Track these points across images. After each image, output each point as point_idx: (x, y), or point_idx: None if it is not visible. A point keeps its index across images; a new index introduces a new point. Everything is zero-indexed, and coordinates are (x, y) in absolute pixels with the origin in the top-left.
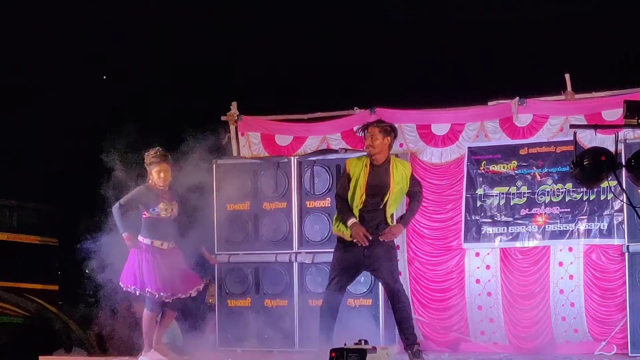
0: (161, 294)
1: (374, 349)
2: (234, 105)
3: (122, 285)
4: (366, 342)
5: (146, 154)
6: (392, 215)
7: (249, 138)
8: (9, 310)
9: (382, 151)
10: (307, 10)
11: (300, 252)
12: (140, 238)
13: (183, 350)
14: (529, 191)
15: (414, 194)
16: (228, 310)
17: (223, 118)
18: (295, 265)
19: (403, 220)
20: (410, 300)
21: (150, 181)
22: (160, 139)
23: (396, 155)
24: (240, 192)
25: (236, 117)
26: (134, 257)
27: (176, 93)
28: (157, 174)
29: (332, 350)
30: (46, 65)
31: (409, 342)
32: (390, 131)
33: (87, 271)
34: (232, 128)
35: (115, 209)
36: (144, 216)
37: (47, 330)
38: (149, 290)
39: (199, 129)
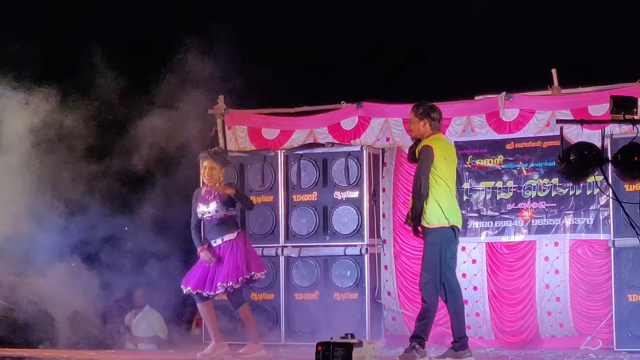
0: (191, 290)
1: (360, 342)
2: (220, 98)
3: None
4: (352, 335)
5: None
6: (432, 201)
7: (236, 132)
8: None
9: (421, 134)
10: (293, 4)
11: (286, 246)
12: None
13: (167, 344)
14: (515, 186)
15: None
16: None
17: (210, 111)
18: (282, 259)
19: None
20: (429, 298)
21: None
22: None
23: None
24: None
25: (223, 111)
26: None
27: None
28: (204, 169)
29: (318, 344)
30: None
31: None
32: (425, 114)
33: None
34: (219, 122)
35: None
36: None
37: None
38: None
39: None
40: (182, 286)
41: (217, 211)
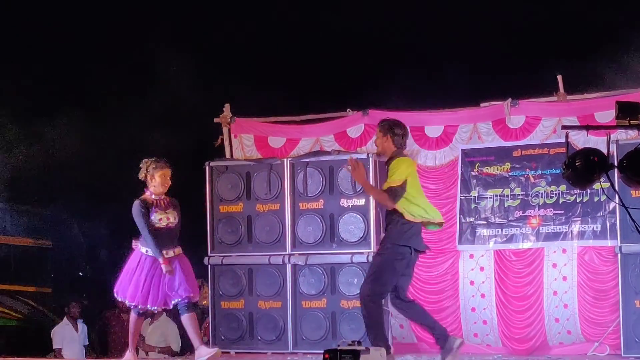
0: (150, 306)
1: (367, 350)
2: (227, 107)
3: (123, 299)
4: (359, 343)
5: (145, 161)
6: (396, 214)
7: (242, 140)
8: (4, 313)
9: (384, 150)
10: (300, 13)
11: (293, 254)
12: (143, 249)
13: (178, 356)
14: (522, 193)
15: None
16: (221, 312)
17: (216, 120)
18: (289, 267)
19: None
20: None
21: (149, 189)
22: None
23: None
24: (233, 194)
25: (229, 119)
26: (134, 267)
27: (170, 96)
28: (161, 177)
29: (325, 352)
30: None
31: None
32: (388, 129)
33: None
34: (225, 130)
35: (147, 239)
36: None
37: (41, 333)
38: (141, 305)
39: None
40: (135, 303)
41: (176, 218)
